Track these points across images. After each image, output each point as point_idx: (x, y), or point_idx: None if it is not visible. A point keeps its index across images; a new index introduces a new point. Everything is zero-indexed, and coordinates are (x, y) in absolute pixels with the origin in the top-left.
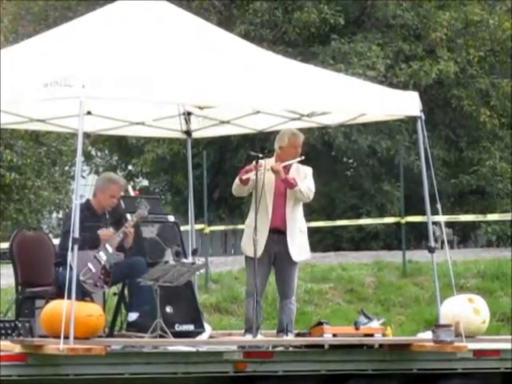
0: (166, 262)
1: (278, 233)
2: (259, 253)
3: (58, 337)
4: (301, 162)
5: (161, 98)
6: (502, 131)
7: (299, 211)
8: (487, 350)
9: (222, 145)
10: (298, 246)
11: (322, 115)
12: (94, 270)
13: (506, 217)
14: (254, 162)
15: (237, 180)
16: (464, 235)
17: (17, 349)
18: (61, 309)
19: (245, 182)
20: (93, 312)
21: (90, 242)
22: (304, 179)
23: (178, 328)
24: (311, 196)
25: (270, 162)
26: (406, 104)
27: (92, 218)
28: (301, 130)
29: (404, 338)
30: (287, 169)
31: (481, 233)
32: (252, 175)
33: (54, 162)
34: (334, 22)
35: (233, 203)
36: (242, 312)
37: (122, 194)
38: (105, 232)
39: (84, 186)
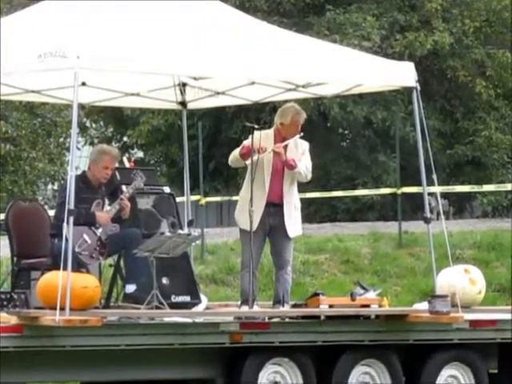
0: (162, 234)
1: (273, 205)
2: (254, 226)
3: (54, 308)
4: None
5: (156, 68)
6: (498, 102)
7: (295, 188)
8: (483, 320)
9: (218, 116)
10: (293, 221)
11: (318, 86)
12: (89, 242)
13: (502, 187)
14: (257, 144)
15: (236, 153)
16: (460, 206)
17: (13, 320)
18: (57, 280)
19: (244, 158)
20: (89, 283)
21: (85, 217)
22: (302, 156)
23: (174, 299)
24: (309, 177)
25: (266, 134)
26: (402, 74)
27: (87, 190)
28: (296, 100)
29: (400, 308)
30: (286, 145)
31: (476, 203)
32: (254, 158)
33: (49, 133)
34: None
35: (228, 174)
36: (238, 283)
37: (117, 165)
38: (101, 215)
39: (79, 158)
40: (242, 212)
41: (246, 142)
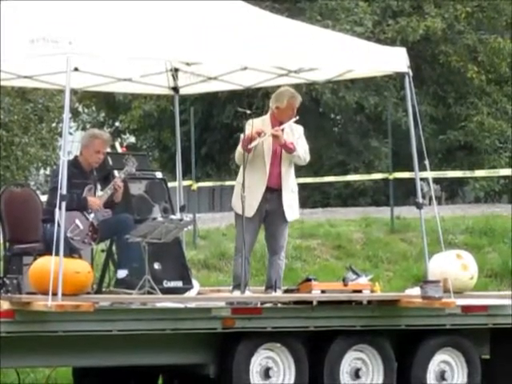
0: (154, 219)
1: (271, 191)
2: (252, 212)
3: (46, 293)
4: None
5: (148, 54)
6: (490, 87)
7: (292, 171)
8: (475, 305)
9: (210, 101)
10: (291, 205)
11: (310, 71)
12: (81, 227)
13: (494, 173)
14: (254, 130)
15: (240, 149)
16: (452, 191)
17: (5, 305)
18: (49, 265)
19: (249, 151)
20: (81, 269)
21: (77, 202)
22: (298, 139)
23: (167, 284)
24: (307, 159)
25: (262, 119)
26: (394, 60)
27: (79, 176)
28: (288, 86)
29: (392, 294)
30: (282, 129)
31: (468, 189)
32: (256, 143)
33: (41, 118)
34: None
35: (220, 160)
36: (230, 268)
37: (109, 150)
38: (93, 200)
39: (71, 143)
40: (240, 198)
41: (246, 134)
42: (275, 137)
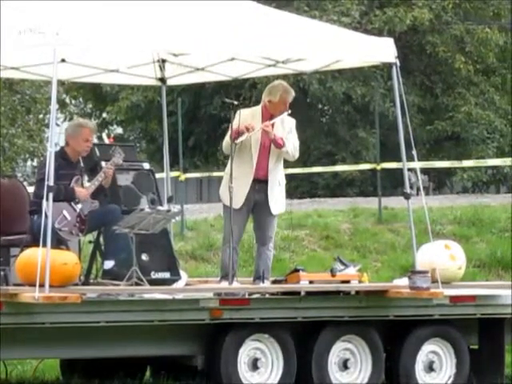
0: (142, 210)
1: (259, 182)
2: (240, 203)
3: (34, 285)
4: None
5: (135, 44)
6: (477, 77)
7: (281, 164)
8: (463, 295)
9: (197, 92)
10: (276, 199)
11: (297, 62)
12: (69, 218)
13: (482, 163)
14: (244, 125)
15: (228, 139)
16: (439, 182)
17: None
18: (36, 257)
19: (236, 143)
20: (68, 260)
21: (64, 192)
22: (289, 134)
23: (154, 276)
24: (296, 155)
25: (253, 111)
26: (381, 50)
27: (66, 166)
28: (276, 76)
29: (380, 284)
30: (273, 123)
31: (456, 179)
32: (244, 137)
33: (28, 109)
34: None
35: (208, 151)
36: (218, 259)
37: (96, 141)
38: (81, 190)
39: (59, 134)
40: (227, 189)
41: (235, 126)
42: (266, 132)
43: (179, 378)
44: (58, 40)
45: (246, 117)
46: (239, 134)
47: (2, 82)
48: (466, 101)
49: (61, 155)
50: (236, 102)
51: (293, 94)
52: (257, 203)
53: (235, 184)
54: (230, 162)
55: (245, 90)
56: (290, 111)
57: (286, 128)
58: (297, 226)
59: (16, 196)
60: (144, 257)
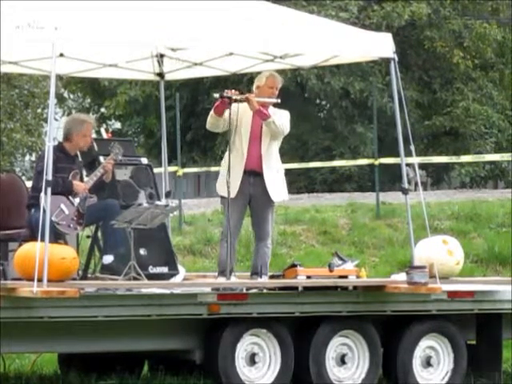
0: (140, 205)
1: (254, 175)
2: (233, 194)
3: (32, 279)
4: (275, 106)
5: (133, 39)
6: (475, 72)
7: (275, 152)
8: (461, 291)
9: (195, 87)
10: (275, 186)
11: (295, 57)
12: (67, 212)
13: (480, 158)
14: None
15: (211, 112)
16: (437, 177)
17: None
18: (34, 251)
19: (219, 113)
20: (66, 254)
21: (62, 185)
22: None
23: (152, 270)
24: (285, 131)
25: (242, 105)
26: (379, 45)
27: (65, 160)
28: (273, 71)
29: (378, 279)
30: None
31: (454, 174)
32: (227, 108)
33: (27, 104)
34: None
35: (206, 145)
36: (216, 254)
37: (95, 136)
38: (79, 183)
39: (57, 129)
40: (223, 181)
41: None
42: (248, 101)
43: (177, 373)
44: (57, 35)
45: (238, 108)
46: (223, 108)
47: (0, 77)
48: (464, 96)
49: (59, 149)
50: (234, 97)
51: (280, 79)
52: (253, 197)
53: (226, 177)
54: (227, 153)
55: (243, 85)
56: (279, 100)
57: (276, 114)
58: (294, 221)
59: (14, 191)
60: (142, 251)
